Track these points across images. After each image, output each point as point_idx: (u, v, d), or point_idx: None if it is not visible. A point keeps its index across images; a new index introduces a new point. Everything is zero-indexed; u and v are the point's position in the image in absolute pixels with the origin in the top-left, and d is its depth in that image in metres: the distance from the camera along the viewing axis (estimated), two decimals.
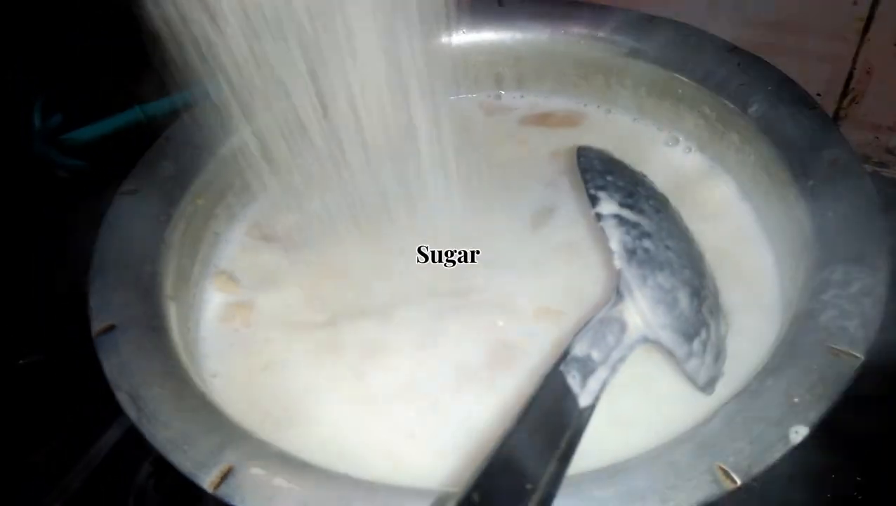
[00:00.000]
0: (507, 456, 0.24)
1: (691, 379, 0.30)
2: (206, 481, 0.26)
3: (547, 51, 0.46)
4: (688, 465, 0.26)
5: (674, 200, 0.42)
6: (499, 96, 0.50)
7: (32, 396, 0.51)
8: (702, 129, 0.43)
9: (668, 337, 0.28)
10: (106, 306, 0.32)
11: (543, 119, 0.48)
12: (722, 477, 0.26)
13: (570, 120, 0.47)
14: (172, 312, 0.34)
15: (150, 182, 0.38)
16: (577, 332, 0.28)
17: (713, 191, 0.42)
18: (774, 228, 0.38)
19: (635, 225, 0.29)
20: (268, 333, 0.38)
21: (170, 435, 0.28)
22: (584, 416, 0.26)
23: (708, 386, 0.30)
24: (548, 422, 0.25)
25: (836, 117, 0.62)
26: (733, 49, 0.42)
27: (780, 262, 0.37)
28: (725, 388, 0.33)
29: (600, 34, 0.45)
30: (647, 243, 0.29)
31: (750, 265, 0.38)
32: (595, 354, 0.27)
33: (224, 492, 0.26)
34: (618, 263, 0.28)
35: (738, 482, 0.26)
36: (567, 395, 0.26)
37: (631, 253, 0.29)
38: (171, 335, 0.32)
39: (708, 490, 0.25)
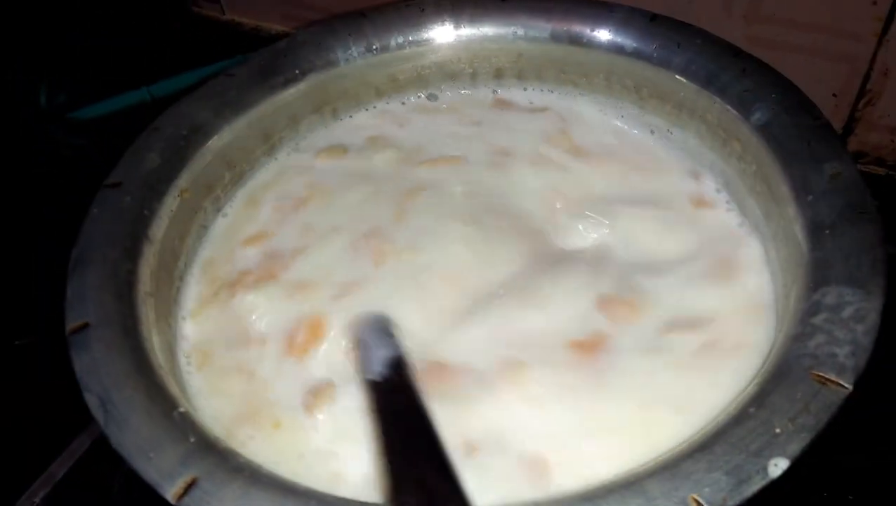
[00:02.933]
0: None
1: None
2: (170, 492, 0.26)
3: (547, 48, 0.45)
4: (661, 495, 0.25)
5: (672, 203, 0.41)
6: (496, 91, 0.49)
7: (26, 377, 0.51)
8: (703, 134, 0.42)
9: None
10: (81, 303, 0.32)
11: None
12: None
13: None
14: (150, 310, 0.34)
15: (134, 175, 0.37)
16: None
17: (712, 199, 0.41)
18: (772, 244, 0.37)
19: None
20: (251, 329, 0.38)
21: (137, 441, 0.28)
22: None
23: None
24: None
25: (852, 119, 0.60)
26: (738, 53, 0.40)
27: (775, 279, 0.36)
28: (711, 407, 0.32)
29: (602, 33, 0.43)
30: None
31: (745, 280, 0.37)
32: None
33: (187, 504, 0.26)
34: None
35: None
36: None
37: None
38: (145, 335, 0.32)
39: None
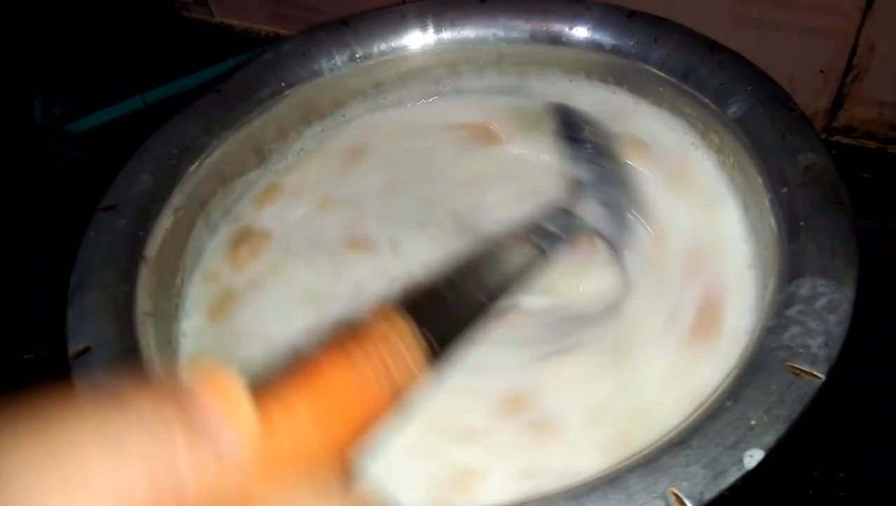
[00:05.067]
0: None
1: (624, 272, 0.38)
2: None
3: (528, 48, 0.46)
4: (642, 490, 0.26)
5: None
6: None
7: (36, 390, 0.52)
8: (684, 128, 0.43)
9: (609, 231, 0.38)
10: (82, 327, 0.33)
11: None
12: (674, 502, 0.26)
13: None
14: (149, 330, 0.35)
15: (128, 196, 0.38)
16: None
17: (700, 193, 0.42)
18: (752, 236, 0.38)
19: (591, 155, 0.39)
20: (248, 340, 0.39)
21: None
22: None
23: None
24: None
25: (840, 94, 0.61)
26: (714, 46, 0.41)
27: (756, 271, 0.37)
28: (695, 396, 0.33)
29: (580, 31, 0.44)
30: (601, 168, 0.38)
31: (729, 276, 0.38)
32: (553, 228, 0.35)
33: None
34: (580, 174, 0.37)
35: None
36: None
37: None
38: (145, 356, 0.33)
39: None
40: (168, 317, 0.38)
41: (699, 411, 0.29)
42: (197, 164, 0.41)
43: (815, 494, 0.41)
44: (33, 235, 0.63)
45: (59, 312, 0.35)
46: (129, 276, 0.35)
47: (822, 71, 0.60)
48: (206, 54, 0.74)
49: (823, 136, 0.61)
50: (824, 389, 0.28)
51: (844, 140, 0.62)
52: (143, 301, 0.35)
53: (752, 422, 0.27)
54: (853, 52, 0.58)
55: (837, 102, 0.61)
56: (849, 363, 0.30)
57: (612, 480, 0.27)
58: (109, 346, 0.32)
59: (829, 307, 0.30)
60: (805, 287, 0.31)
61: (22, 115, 0.70)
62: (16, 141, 0.69)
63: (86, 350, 0.32)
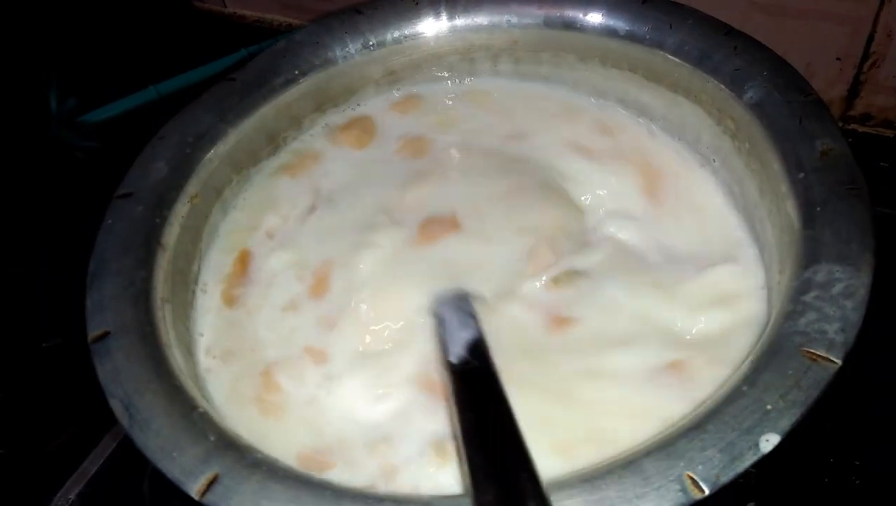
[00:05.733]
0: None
1: None
2: (193, 489, 0.28)
3: (542, 34, 0.46)
4: (658, 473, 0.26)
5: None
6: None
7: (54, 379, 0.53)
8: (699, 115, 0.42)
9: None
10: (101, 313, 0.33)
11: None
12: (690, 486, 0.26)
13: None
14: (167, 315, 0.35)
15: (144, 184, 0.39)
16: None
17: (708, 182, 0.42)
18: (767, 221, 0.38)
19: None
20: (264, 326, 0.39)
21: (160, 443, 0.29)
22: None
23: None
24: None
25: (857, 81, 0.60)
26: (730, 31, 0.41)
27: (763, 256, 0.37)
28: (705, 387, 0.33)
29: (594, 17, 0.44)
30: None
31: (738, 260, 0.38)
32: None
33: (210, 499, 0.27)
34: None
35: (706, 492, 0.26)
36: None
37: None
38: (163, 340, 0.33)
39: (675, 499, 0.26)
40: (185, 303, 0.38)
41: (716, 394, 0.29)
42: (212, 151, 0.41)
43: (831, 482, 0.41)
44: (48, 225, 0.64)
45: (76, 301, 0.35)
46: (147, 262, 0.36)
47: (838, 58, 0.59)
48: (219, 45, 0.74)
49: (839, 124, 0.61)
50: (839, 377, 0.28)
51: (861, 128, 0.62)
52: (161, 287, 0.36)
53: (769, 407, 0.27)
54: (870, 39, 0.57)
55: (854, 90, 0.61)
56: (861, 354, 0.30)
57: (628, 463, 0.27)
58: (127, 330, 0.33)
59: (845, 293, 0.30)
60: (821, 273, 0.31)
61: (37, 106, 0.70)
62: (31, 132, 0.70)
63: (105, 335, 0.32)
